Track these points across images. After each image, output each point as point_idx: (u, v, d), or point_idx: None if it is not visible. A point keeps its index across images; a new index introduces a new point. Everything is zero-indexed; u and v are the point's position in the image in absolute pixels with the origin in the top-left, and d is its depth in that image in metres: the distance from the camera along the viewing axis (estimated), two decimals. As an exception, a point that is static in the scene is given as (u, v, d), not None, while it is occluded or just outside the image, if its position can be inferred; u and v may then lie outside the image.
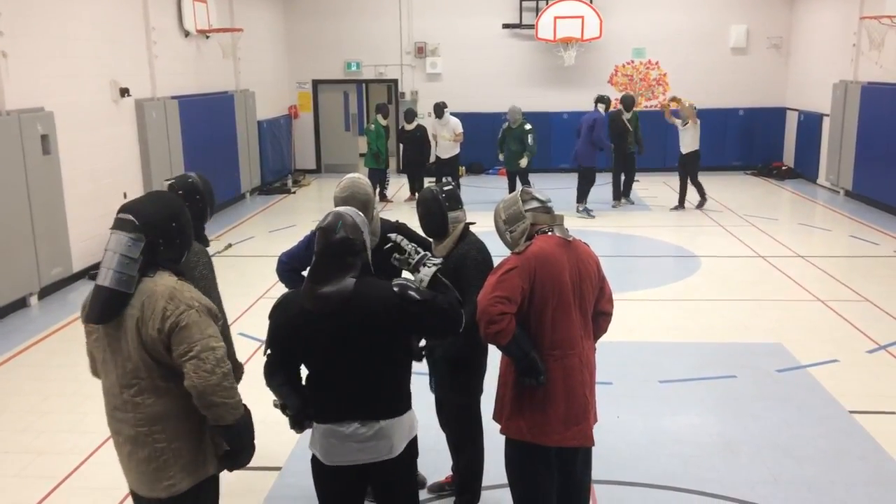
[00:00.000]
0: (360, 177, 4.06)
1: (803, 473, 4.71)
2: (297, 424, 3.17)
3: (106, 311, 2.83)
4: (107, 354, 2.91)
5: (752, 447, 5.04)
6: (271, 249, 10.42)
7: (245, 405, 2.98)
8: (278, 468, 4.86)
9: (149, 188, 10.34)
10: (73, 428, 5.43)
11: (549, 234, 3.48)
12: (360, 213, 3.16)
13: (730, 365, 6.38)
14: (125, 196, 10.21)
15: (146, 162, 10.73)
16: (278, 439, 5.09)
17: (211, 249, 11.42)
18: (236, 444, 2.97)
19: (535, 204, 3.56)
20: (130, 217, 2.84)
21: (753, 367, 6.32)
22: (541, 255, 3.37)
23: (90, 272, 9.16)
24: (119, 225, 2.85)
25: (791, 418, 5.42)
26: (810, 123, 15.53)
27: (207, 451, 3.00)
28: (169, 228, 2.90)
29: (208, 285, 3.73)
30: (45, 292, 8.45)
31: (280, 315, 3.08)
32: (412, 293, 2.98)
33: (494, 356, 3.75)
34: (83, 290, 8.70)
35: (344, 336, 2.96)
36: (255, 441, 3.08)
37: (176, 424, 2.89)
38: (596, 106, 12.50)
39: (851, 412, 5.50)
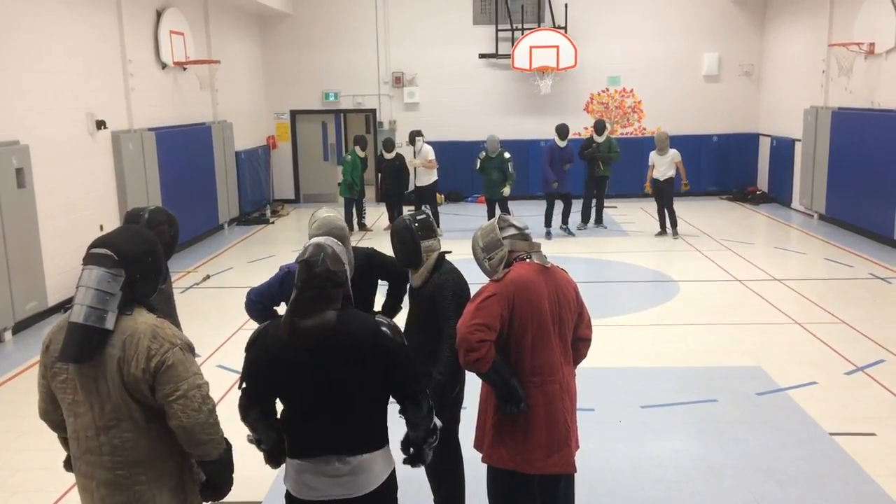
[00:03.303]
0: (332, 214, 4.10)
1: (786, 497, 4.72)
2: (273, 460, 3.14)
3: (84, 350, 2.67)
4: (78, 396, 2.77)
5: (734, 471, 5.04)
6: (250, 280, 10.31)
7: (227, 440, 2.94)
8: (258, 502, 4.78)
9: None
10: (49, 465, 5.31)
11: (527, 260, 3.49)
12: (340, 242, 3.14)
13: (710, 389, 6.40)
14: (101, 229, 10.12)
15: (123, 194, 10.66)
16: (258, 472, 5.01)
17: (189, 281, 11.29)
18: (218, 479, 2.94)
19: (512, 231, 3.58)
20: (109, 252, 2.74)
21: (733, 391, 6.34)
22: (519, 282, 3.37)
23: (65, 306, 9.04)
24: (96, 260, 2.74)
25: (772, 441, 5.44)
26: (783, 148, 15.77)
27: (188, 490, 2.95)
28: (146, 263, 2.82)
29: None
30: (20, 327, 8.33)
31: (258, 348, 3.02)
32: (385, 329, 2.99)
33: (473, 385, 3.73)
34: (58, 325, 8.57)
35: (325, 370, 2.92)
36: (235, 474, 3.04)
37: (159, 465, 2.82)
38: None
39: (831, 434, 5.53)
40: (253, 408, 3.06)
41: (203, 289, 10.09)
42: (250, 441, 3.20)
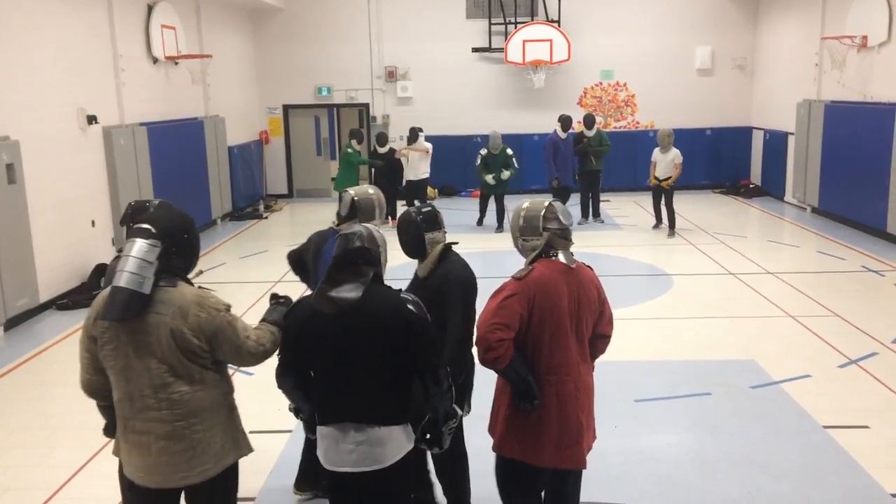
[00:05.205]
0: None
1: (780, 490, 4.73)
2: (311, 429, 3.35)
3: (126, 310, 3.00)
4: (131, 360, 3.07)
5: (728, 464, 5.05)
6: (242, 276, 10.32)
7: (273, 325, 3.35)
8: (252, 499, 4.77)
9: (117, 217, 10.21)
10: (41, 462, 5.30)
11: (554, 259, 3.48)
12: (381, 233, 3.37)
13: (704, 382, 6.40)
14: (93, 225, 10.08)
15: (114, 190, 10.61)
16: (252, 468, 5.00)
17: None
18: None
19: (555, 225, 3.52)
20: (148, 226, 3.11)
21: (727, 384, 6.35)
22: (541, 282, 3.39)
23: (57, 302, 9.00)
24: (137, 233, 3.11)
25: (766, 435, 5.45)
26: (776, 142, 15.79)
27: (239, 437, 3.28)
28: (181, 238, 3.19)
29: None
30: (11, 324, 8.27)
31: (291, 317, 3.25)
32: (409, 305, 3.16)
33: (488, 372, 3.73)
34: (50, 321, 8.53)
35: (349, 337, 3.08)
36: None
37: (211, 415, 3.15)
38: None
39: (825, 427, 5.54)
40: (287, 376, 3.28)
41: (196, 284, 10.04)
42: (290, 410, 3.51)
